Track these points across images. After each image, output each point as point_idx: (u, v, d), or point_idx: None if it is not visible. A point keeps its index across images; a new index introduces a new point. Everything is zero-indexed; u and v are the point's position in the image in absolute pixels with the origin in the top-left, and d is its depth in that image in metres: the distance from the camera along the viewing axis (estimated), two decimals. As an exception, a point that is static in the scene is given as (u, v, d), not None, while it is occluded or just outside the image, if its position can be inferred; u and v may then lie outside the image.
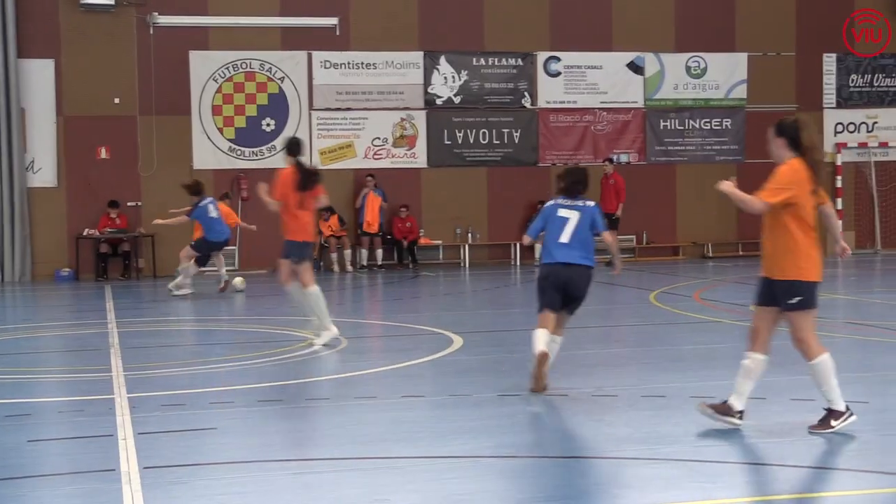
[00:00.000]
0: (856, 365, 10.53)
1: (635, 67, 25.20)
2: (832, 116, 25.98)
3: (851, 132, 26.09)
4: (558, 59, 24.82)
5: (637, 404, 8.50)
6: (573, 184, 9.33)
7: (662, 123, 25.38)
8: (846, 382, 9.59)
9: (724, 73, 25.44)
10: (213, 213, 18.52)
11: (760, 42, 25.57)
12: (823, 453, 6.94)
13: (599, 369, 10.45)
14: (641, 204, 24.58)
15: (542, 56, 24.75)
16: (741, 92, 25.59)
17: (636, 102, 25.26)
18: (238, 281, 19.04)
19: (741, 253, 25.15)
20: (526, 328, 14.21)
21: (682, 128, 25.45)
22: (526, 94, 24.77)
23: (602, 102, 25.06)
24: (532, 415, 8.38)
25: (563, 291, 9.07)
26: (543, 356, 8.82)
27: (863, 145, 26.06)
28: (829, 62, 25.98)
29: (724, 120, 25.58)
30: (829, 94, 26.05)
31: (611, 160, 24.05)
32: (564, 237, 9.11)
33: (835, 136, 25.95)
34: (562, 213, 9.20)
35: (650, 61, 25.23)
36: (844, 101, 26.10)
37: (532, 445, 7.33)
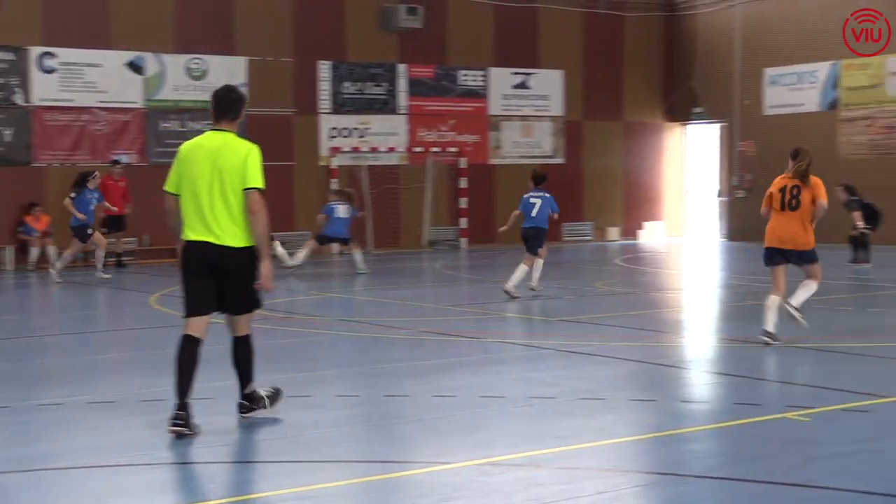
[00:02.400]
0: (348, 360, 11.09)
1: (135, 67, 24.80)
2: (327, 121, 27.03)
3: (346, 136, 27.28)
4: (53, 56, 23.88)
5: (135, 410, 8.42)
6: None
7: (163, 125, 25.17)
8: (339, 377, 10.08)
9: (225, 76, 25.64)
10: None
11: (259, 46, 26.08)
12: (315, 447, 7.23)
13: (98, 376, 10.24)
14: (144, 206, 24.22)
15: (35, 51, 23.70)
16: (241, 95, 25.92)
17: (136, 103, 24.85)
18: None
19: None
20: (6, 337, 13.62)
21: (183, 129, 25.35)
22: (18, 90, 23.60)
23: (100, 102, 24.41)
24: (21, 426, 8.06)
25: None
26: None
27: (356, 149, 27.35)
28: (325, 69, 27.03)
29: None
30: (325, 100, 27.09)
31: (117, 162, 23.54)
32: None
33: (330, 140, 27.03)
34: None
35: (151, 61, 24.94)
36: (339, 106, 27.25)
37: (16, 460, 7.04)
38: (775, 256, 11.25)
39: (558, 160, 29.97)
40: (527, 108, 29.63)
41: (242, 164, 7.46)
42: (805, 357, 10.68)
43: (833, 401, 8.28)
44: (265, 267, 7.50)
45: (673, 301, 16.93)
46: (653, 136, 31.81)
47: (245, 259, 7.52)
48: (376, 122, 27.68)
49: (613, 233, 30.76)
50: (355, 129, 27.42)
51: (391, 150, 27.59)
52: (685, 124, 32.11)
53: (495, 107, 29.23)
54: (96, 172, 21.14)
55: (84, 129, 24.25)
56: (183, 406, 7.41)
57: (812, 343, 11.30)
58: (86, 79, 24.23)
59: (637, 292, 17.60)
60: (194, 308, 7.58)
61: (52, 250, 22.16)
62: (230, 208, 7.45)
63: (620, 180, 31.21)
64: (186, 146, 7.71)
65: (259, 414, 7.94)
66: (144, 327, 13.91)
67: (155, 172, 24.85)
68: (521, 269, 16.00)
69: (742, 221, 29.82)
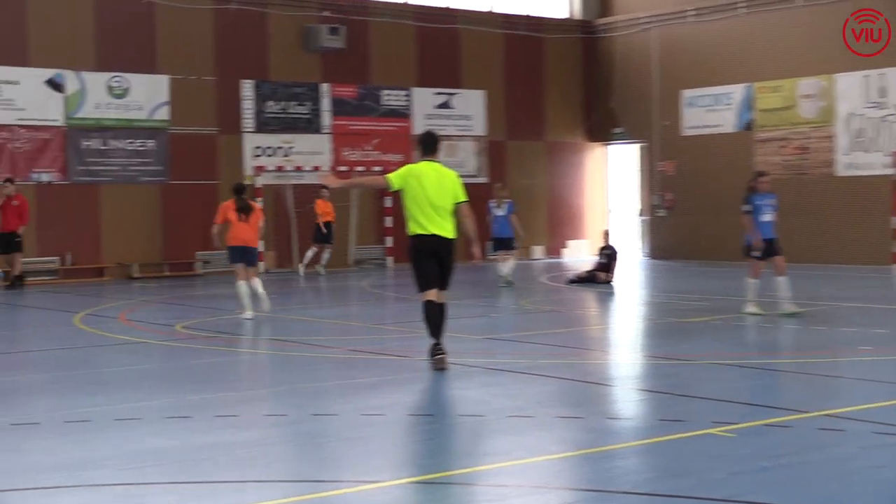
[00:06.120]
0: (275, 379, 11.05)
1: (55, 84, 24.49)
2: (251, 140, 26.92)
3: (270, 156, 27.19)
4: (-30, 73, 23.53)
5: (61, 430, 8.32)
6: None
7: (85, 143, 24.87)
8: (267, 397, 10.03)
9: (147, 94, 25.49)
10: None
11: (181, 64, 25.92)
12: (244, 466, 7.21)
13: (20, 397, 10.09)
14: (64, 225, 23.99)
15: (-49, 68, 23.33)
16: (164, 113, 25.76)
17: (56, 121, 24.54)
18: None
19: (168, 273, 25.28)
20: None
21: (105, 147, 25.11)
22: (-66, 107, 23.18)
23: (20, 119, 24.08)
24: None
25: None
26: None
27: (280, 168, 27.28)
28: (248, 88, 26.93)
29: (148, 141, 25.61)
30: (248, 119, 26.98)
31: (11, 181, 22.99)
32: None
33: (254, 159, 26.92)
34: None
35: (71, 79, 24.65)
36: (262, 125, 27.16)
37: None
38: None
39: (482, 179, 30.15)
40: (450, 127, 29.77)
41: None
42: (727, 373, 10.87)
43: (756, 416, 8.44)
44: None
45: (597, 318, 17.12)
46: (575, 155, 32.15)
47: None
48: (300, 141, 27.64)
49: (538, 251, 30.99)
50: (279, 147, 27.35)
51: (316, 168, 27.54)
52: (606, 144, 32.51)
53: (419, 126, 29.29)
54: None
55: (3, 148, 23.90)
56: None
57: (733, 360, 11.52)
58: (4, 96, 23.89)
59: (562, 310, 17.76)
60: None
61: None
62: None
63: (544, 199, 31.48)
64: None
65: None
66: (68, 347, 13.72)
67: (76, 191, 24.64)
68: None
69: (663, 239, 30.24)
